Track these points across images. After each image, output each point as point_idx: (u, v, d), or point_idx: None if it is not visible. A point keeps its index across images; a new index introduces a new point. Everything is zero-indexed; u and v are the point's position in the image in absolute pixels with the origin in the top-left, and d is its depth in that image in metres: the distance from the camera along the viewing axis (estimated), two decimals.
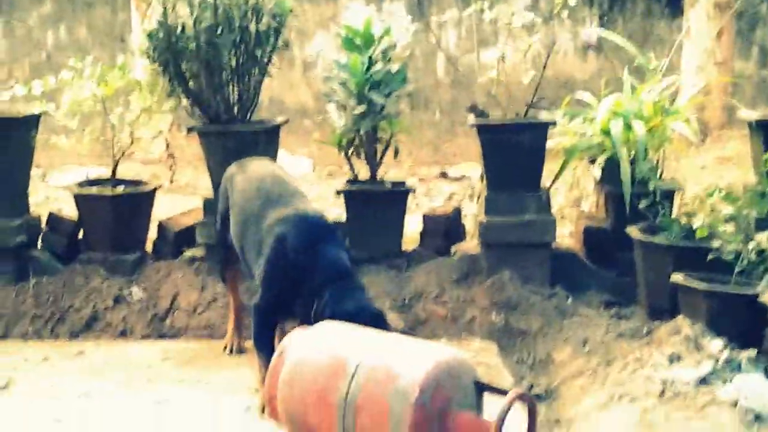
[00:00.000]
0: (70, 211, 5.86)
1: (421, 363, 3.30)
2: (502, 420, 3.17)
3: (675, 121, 5.38)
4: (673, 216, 5.01)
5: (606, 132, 5.32)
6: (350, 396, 3.33)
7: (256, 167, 4.58)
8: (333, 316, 3.78)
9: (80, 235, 5.67)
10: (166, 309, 5.22)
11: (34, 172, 6.31)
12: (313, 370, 3.47)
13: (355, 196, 5.50)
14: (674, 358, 4.02)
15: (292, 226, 4.06)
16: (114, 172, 5.72)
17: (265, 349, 4.06)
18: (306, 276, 3.95)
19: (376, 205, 5.46)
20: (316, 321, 3.77)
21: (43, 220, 5.71)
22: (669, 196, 5.17)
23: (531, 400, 3.42)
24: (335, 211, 6.54)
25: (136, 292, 5.31)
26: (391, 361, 3.36)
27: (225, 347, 4.83)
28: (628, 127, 5.25)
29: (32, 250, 5.56)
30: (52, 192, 7.19)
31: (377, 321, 3.80)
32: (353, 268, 4.12)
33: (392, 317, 4.91)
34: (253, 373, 4.24)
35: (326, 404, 3.39)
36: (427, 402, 3.22)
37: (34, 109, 5.59)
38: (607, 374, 4.13)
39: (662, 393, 3.76)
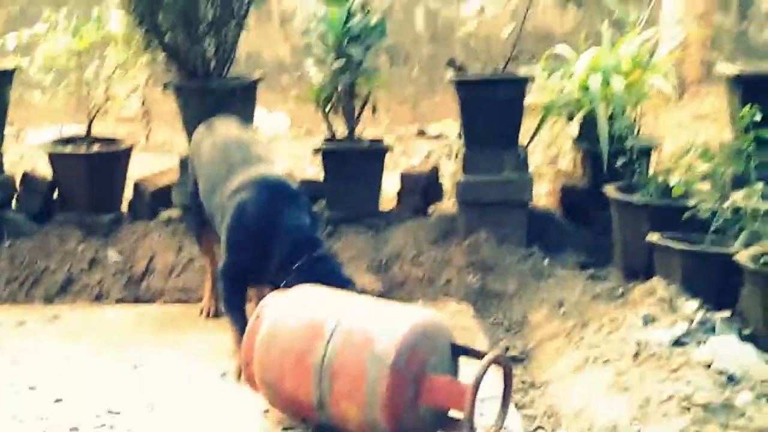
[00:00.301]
0: (44, 170, 5.80)
1: (397, 326, 3.31)
2: (478, 383, 3.19)
3: (653, 75, 5.35)
4: (650, 174, 4.99)
5: (584, 88, 5.28)
6: (327, 360, 3.34)
7: (223, 131, 4.54)
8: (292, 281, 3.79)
9: (55, 195, 5.63)
10: (142, 271, 5.19)
11: (8, 131, 6.24)
12: (289, 333, 3.47)
13: (333, 154, 5.47)
14: (649, 320, 4.03)
15: (252, 191, 4.06)
16: (89, 129, 5.67)
17: (235, 313, 4.10)
18: (268, 242, 3.95)
19: (354, 163, 5.43)
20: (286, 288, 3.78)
21: (18, 179, 5.65)
22: (646, 153, 5.15)
23: (507, 363, 3.43)
24: (313, 170, 6.51)
25: (112, 255, 5.28)
26: (367, 324, 3.37)
27: (201, 311, 4.81)
28: (606, 82, 5.22)
29: (6, 210, 5.51)
30: (26, 150, 7.10)
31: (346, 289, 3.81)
32: (318, 233, 4.14)
33: (369, 279, 4.92)
34: (230, 339, 4.23)
35: (303, 368, 3.40)
36: (403, 365, 3.24)
37: (8, 63, 5.51)
38: (582, 336, 4.14)
39: (637, 354, 3.78)
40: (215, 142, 4.47)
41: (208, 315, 4.78)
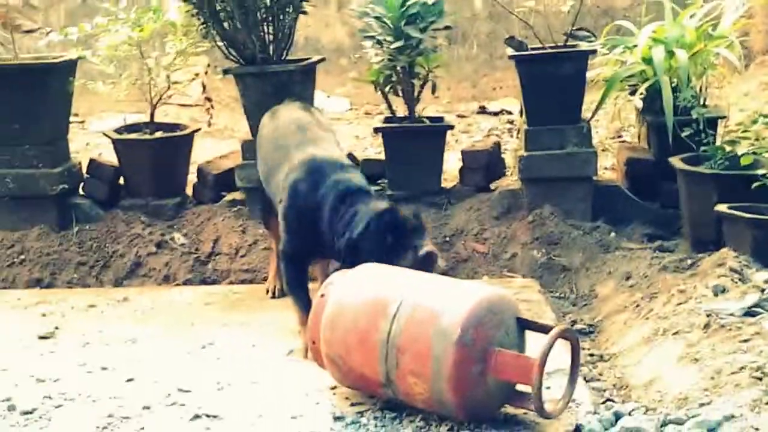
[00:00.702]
0: (109, 157, 5.88)
1: (462, 301, 3.29)
2: (545, 357, 3.16)
3: (718, 46, 5.27)
4: (717, 145, 4.91)
5: (647, 60, 5.22)
6: (392, 336, 3.34)
7: (285, 115, 4.60)
8: (353, 237, 3.84)
9: (121, 181, 5.71)
10: (208, 253, 5.25)
11: (73, 120, 6.34)
12: (354, 311, 3.48)
13: (393, 134, 5.46)
14: (719, 290, 3.97)
15: (302, 170, 4.12)
16: (152, 116, 5.73)
17: (298, 292, 4.16)
18: (322, 214, 3.99)
19: (415, 142, 5.42)
20: (343, 253, 3.87)
21: (84, 167, 5.74)
22: (712, 124, 5.08)
23: (574, 337, 3.40)
24: (373, 150, 6.51)
25: (178, 237, 5.34)
26: (432, 300, 3.36)
27: (267, 291, 4.86)
28: (670, 54, 5.15)
29: (74, 197, 5.61)
30: (91, 138, 7.21)
31: (394, 220, 3.83)
32: (370, 187, 4.13)
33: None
34: (294, 318, 4.25)
35: (368, 345, 3.40)
36: (469, 341, 3.22)
37: (71, 55, 5.59)
38: (651, 308, 4.09)
39: (707, 326, 3.72)
40: (277, 126, 4.53)
41: (274, 295, 4.82)
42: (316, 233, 4.03)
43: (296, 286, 4.18)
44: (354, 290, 3.55)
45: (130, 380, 3.92)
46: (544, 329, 3.37)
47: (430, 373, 3.25)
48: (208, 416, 3.54)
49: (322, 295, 3.63)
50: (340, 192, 4.00)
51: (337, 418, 3.47)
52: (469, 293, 3.36)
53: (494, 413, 3.35)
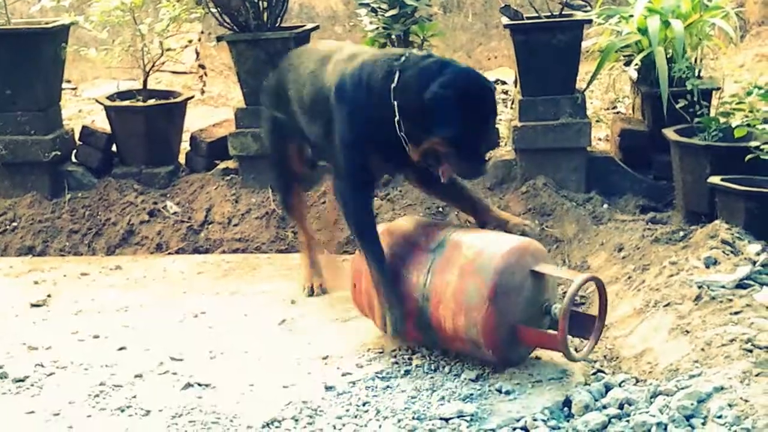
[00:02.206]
0: (102, 124, 5.85)
1: (503, 242, 3.52)
2: (573, 296, 3.36)
3: (714, 17, 5.23)
4: (711, 116, 4.90)
5: (642, 30, 5.19)
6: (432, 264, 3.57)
7: (318, 46, 4.30)
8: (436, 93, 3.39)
9: (114, 148, 5.68)
10: (201, 222, 5.24)
11: (66, 86, 6.30)
12: (406, 232, 3.71)
13: None
14: (711, 263, 3.98)
15: (362, 61, 3.66)
16: (145, 83, 5.70)
17: (375, 242, 3.62)
18: (382, 100, 3.52)
19: None
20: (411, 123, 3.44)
21: (77, 134, 5.71)
22: (707, 95, 5.06)
23: (600, 280, 3.57)
24: None
25: (171, 206, 5.33)
26: (474, 240, 3.59)
27: (304, 288, 4.32)
28: (665, 24, 5.12)
29: (66, 164, 5.59)
30: (84, 105, 7.18)
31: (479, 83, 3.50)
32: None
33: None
34: (288, 287, 4.25)
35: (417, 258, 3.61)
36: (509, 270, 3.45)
37: (63, 20, 5.55)
38: (643, 280, 4.09)
39: (698, 297, 3.73)
40: (309, 53, 4.14)
41: (312, 292, 4.30)
42: (386, 138, 3.50)
43: (370, 228, 3.63)
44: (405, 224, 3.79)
45: (122, 348, 3.93)
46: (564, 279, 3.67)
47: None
48: (199, 385, 3.56)
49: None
50: (421, 69, 3.45)
51: (328, 388, 3.48)
52: (506, 238, 3.62)
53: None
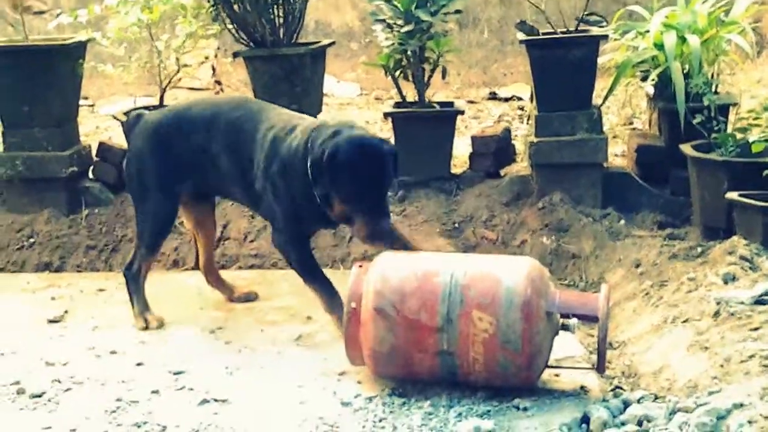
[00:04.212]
0: (119, 140, 5.87)
1: (517, 266, 3.49)
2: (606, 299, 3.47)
3: (730, 32, 5.23)
4: (729, 132, 4.89)
5: (659, 46, 5.19)
6: (455, 277, 3.44)
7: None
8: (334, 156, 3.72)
9: None
10: (217, 238, 5.23)
11: (83, 103, 6.33)
12: (411, 262, 3.58)
13: (403, 118, 5.44)
14: (729, 278, 3.96)
15: (281, 129, 4.01)
16: (161, 99, 5.72)
17: (319, 273, 4.05)
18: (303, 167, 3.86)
19: (425, 127, 5.40)
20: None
21: (94, 150, 5.74)
22: (724, 111, 5.05)
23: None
24: (383, 135, 6.48)
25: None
26: (490, 260, 3.63)
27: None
28: (681, 40, 5.12)
29: (84, 180, 5.61)
30: (101, 121, 7.21)
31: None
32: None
33: (443, 242, 4.89)
34: (304, 302, 4.24)
35: (428, 286, 3.44)
36: (537, 276, 3.45)
37: (81, 37, 5.58)
38: (661, 296, 4.08)
39: (717, 314, 3.71)
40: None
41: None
42: (310, 196, 3.87)
43: (314, 267, 4.07)
44: (403, 255, 3.68)
45: (138, 364, 3.93)
46: None
47: (500, 303, 3.34)
48: (216, 401, 3.55)
49: (360, 265, 3.61)
50: (323, 137, 3.80)
51: (345, 404, 3.47)
52: (517, 260, 3.64)
53: (544, 361, 3.49)
